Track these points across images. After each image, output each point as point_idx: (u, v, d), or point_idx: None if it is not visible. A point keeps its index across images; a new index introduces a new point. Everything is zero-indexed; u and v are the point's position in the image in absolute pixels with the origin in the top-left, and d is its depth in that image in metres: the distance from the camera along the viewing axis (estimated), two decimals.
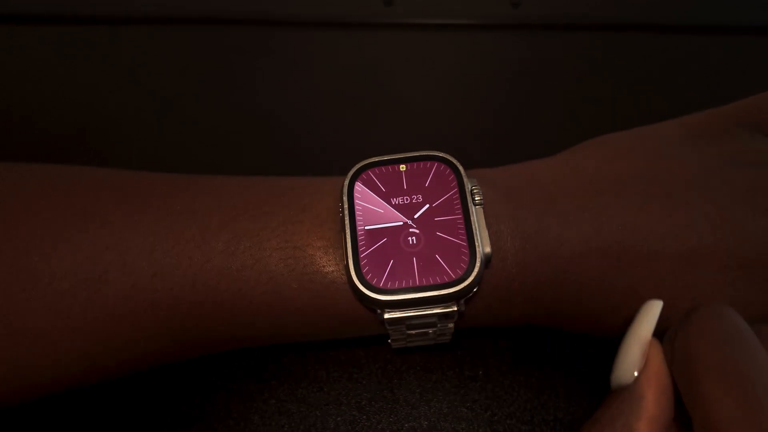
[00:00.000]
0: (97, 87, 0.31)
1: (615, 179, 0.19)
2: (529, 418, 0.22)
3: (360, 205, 0.19)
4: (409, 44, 0.33)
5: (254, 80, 0.31)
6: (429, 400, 0.22)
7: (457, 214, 0.19)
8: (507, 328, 0.21)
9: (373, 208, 0.19)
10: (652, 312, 0.17)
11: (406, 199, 0.19)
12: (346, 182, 0.19)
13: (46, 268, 0.18)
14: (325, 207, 0.19)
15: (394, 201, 0.19)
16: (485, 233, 0.18)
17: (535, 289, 0.19)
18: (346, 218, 0.19)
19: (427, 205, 0.19)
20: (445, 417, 0.22)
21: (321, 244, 0.19)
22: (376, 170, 0.20)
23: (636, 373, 0.16)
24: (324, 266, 0.18)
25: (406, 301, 0.18)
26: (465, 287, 0.18)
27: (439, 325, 0.19)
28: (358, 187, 0.19)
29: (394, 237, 0.19)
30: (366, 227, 0.19)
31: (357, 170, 0.20)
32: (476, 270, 0.18)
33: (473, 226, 0.18)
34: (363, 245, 0.18)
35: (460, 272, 0.18)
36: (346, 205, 0.19)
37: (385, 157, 0.20)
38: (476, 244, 0.18)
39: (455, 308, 0.18)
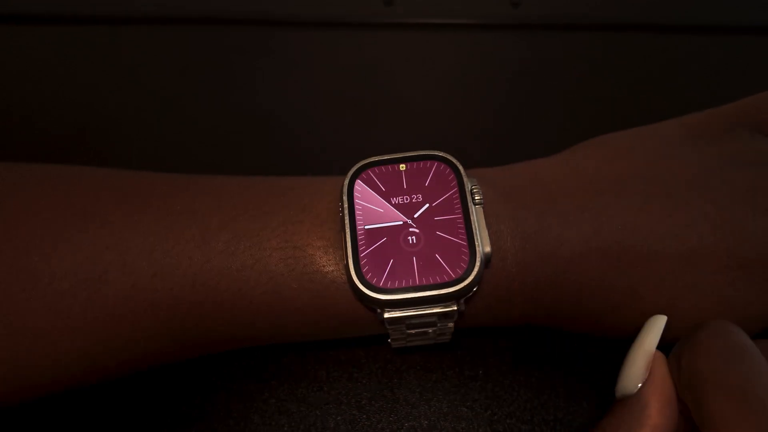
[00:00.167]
0: (97, 87, 0.31)
1: (615, 179, 0.19)
2: (529, 418, 0.22)
3: (360, 204, 0.19)
4: (409, 44, 0.33)
5: (254, 80, 0.31)
6: (429, 400, 0.22)
7: (457, 214, 0.19)
8: (507, 328, 0.21)
9: (373, 208, 0.19)
10: (657, 325, 0.18)
11: (406, 199, 0.19)
12: (346, 182, 0.19)
13: (46, 268, 0.18)
14: (325, 207, 0.19)
15: (393, 200, 0.19)
16: (485, 233, 0.18)
17: (535, 288, 0.19)
18: (346, 218, 0.19)
19: (427, 205, 0.19)
20: (445, 416, 0.22)
21: (321, 243, 0.19)
22: (376, 170, 0.20)
23: (640, 384, 0.17)
24: (324, 266, 0.18)
25: (405, 300, 0.18)
26: (465, 287, 0.18)
27: (438, 325, 0.19)
28: (358, 186, 0.19)
29: (394, 236, 0.19)
30: (366, 227, 0.19)
31: (357, 170, 0.20)
32: (476, 269, 0.18)
33: (473, 226, 0.18)
34: (363, 245, 0.18)
35: (459, 272, 0.18)
36: (345, 205, 0.19)
37: (385, 157, 0.20)
38: (476, 243, 0.18)
39: (455, 308, 0.18)
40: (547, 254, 0.18)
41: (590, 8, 0.33)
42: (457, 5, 0.34)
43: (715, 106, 0.22)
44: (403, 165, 0.20)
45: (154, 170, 0.21)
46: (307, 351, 0.23)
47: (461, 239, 0.18)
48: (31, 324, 0.18)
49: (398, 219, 0.19)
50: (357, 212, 0.19)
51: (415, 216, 0.19)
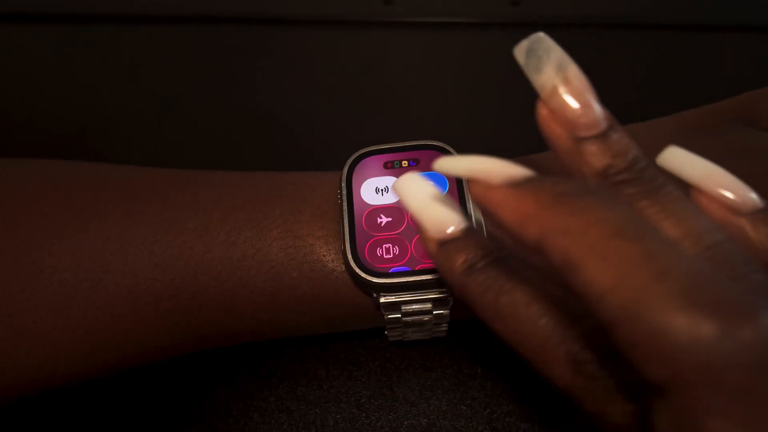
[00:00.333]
0: (97, 87, 0.31)
1: None
2: (528, 416, 0.21)
3: (358, 191, 0.19)
4: (409, 43, 0.33)
5: (254, 80, 0.31)
6: (428, 398, 0.22)
7: (454, 201, 0.19)
8: None
9: (371, 194, 0.19)
10: None
11: None
12: (345, 169, 0.20)
13: (47, 264, 0.18)
14: (325, 199, 0.19)
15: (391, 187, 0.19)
16: (482, 221, 0.18)
17: None
18: (344, 203, 0.19)
19: None
20: (444, 415, 0.21)
21: (321, 233, 0.19)
22: (375, 158, 0.20)
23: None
24: (324, 255, 0.19)
25: (401, 284, 0.18)
26: None
27: (434, 312, 0.19)
28: (357, 174, 0.20)
29: (391, 222, 0.19)
30: (363, 213, 0.19)
31: (356, 158, 0.20)
32: None
33: (470, 213, 0.18)
34: (360, 230, 0.19)
35: None
36: (344, 192, 0.19)
37: (384, 146, 0.20)
38: None
39: (450, 293, 0.18)
40: None
41: (589, 7, 0.34)
42: (457, 4, 0.34)
43: (710, 104, 0.22)
44: (405, 162, 0.20)
45: None
46: (306, 349, 0.23)
47: None
48: (32, 319, 0.18)
49: (395, 205, 0.19)
50: (355, 198, 0.19)
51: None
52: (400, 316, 0.19)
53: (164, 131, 0.30)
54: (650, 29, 0.33)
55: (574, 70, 0.13)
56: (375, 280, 0.18)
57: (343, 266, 0.19)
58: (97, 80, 0.31)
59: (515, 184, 0.11)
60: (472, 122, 0.30)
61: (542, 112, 0.14)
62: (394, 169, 0.20)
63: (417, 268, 0.18)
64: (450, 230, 0.14)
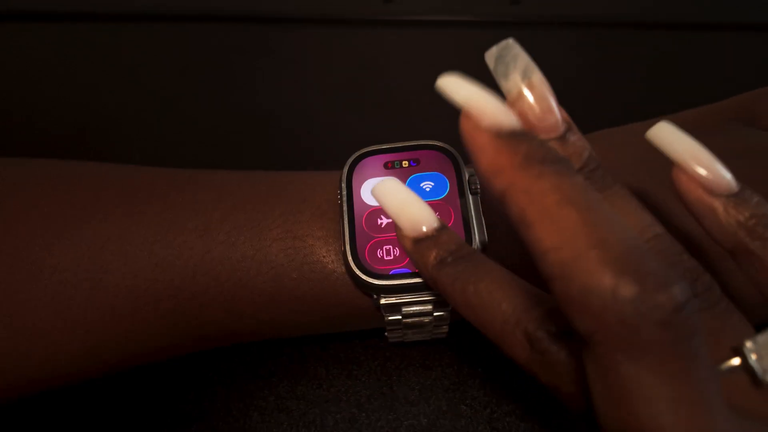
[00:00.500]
0: (97, 87, 0.31)
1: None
2: (528, 416, 0.21)
3: (358, 191, 0.19)
4: (409, 41, 0.33)
5: (254, 79, 0.31)
6: (428, 398, 0.22)
7: (455, 203, 0.19)
8: None
9: (371, 195, 0.19)
10: None
11: None
12: (345, 169, 0.20)
13: (47, 263, 0.18)
14: (325, 199, 0.19)
15: None
16: (481, 221, 0.18)
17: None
18: (344, 204, 0.19)
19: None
20: (444, 414, 0.21)
21: (321, 234, 0.19)
22: (375, 158, 0.20)
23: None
24: (324, 256, 0.19)
25: (401, 286, 0.18)
26: None
27: (435, 314, 0.19)
28: (357, 174, 0.20)
29: (392, 223, 0.19)
30: (364, 213, 0.19)
31: (356, 158, 0.20)
32: None
33: (469, 214, 0.18)
34: (360, 231, 0.18)
35: None
36: (344, 192, 0.19)
37: (384, 146, 0.20)
38: (472, 232, 0.18)
39: None
40: None
41: (589, 6, 0.33)
42: (457, 3, 0.34)
43: (710, 103, 0.22)
44: (405, 162, 0.20)
45: None
46: (306, 348, 0.23)
47: (457, 227, 0.18)
48: (30, 320, 0.18)
49: None
50: (355, 199, 0.19)
51: None
52: (400, 317, 0.19)
53: (164, 131, 0.30)
54: (650, 28, 0.33)
55: (538, 77, 0.15)
56: (375, 281, 0.18)
57: (343, 267, 0.19)
58: (97, 80, 0.31)
59: (499, 134, 0.12)
60: None
61: None
62: (394, 169, 0.20)
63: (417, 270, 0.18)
64: (424, 229, 0.15)
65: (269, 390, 0.22)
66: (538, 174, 0.12)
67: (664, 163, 0.20)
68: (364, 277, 0.18)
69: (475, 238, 0.18)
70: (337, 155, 0.20)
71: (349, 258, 0.18)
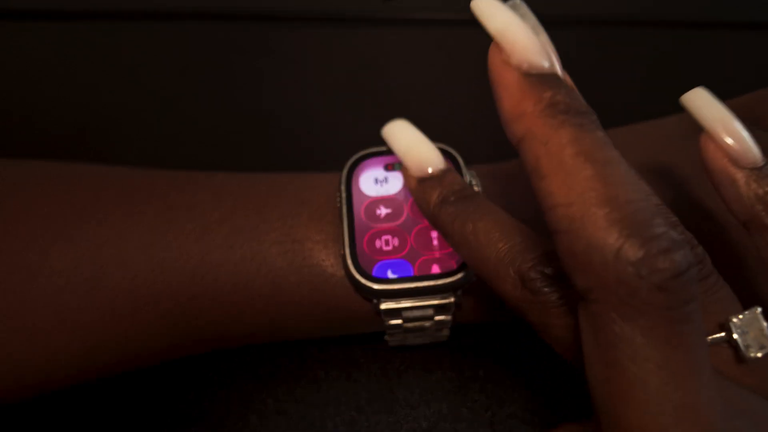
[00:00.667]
0: (97, 87, 0.31)
1: None
2: (530, 419, 0.21)
3: (358, 194, 0.19)
4: (409, 40, 0.33)
5: (254, 79, 0.31)
6: (428, 401, 0.22)
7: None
8: (507, 326, 0.21)
9: (371, 198, 0.19)
10: None
11: (404, 189, 0.19)
12: (345, 172, 0.20)
13: (45, 265, 0.18)
14: (324, 201, 0.19)
15: (391, 190, 0.19)
16: None
17: None
18: (344, 207, 0.19)
19: None
20: (444, 418, 0.21)
21: (320, 237, 0.19)
22: (375, 160, 0.20)
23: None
24: (323, 259, 0.18)
25: (401, 290, 0.18)
26: (461, 278, 0.17)
27: (435, 318, 0.19)
28: (357, 176, 0.19)
29: (392, 226, 0.19)
30: (363, 216, 0.19)
31: (355, 160, 0.20)
32: None
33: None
34: (360, 234, 0.18)
35: (456, 264, 0.18)
36: (344, 195, 0.19)
37: (384, 148, 0.20)
38: None
39: (452, 299, 0.18)
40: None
41: (589, 5, 0.33)
42: (457, 1, 0.33)
43: None
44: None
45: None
46: (305, 351, 0.23)
47: None
48: (29, 321, 0.18)
49: (396, 209, 0.19)
50: (355, 202, 0.19)
51: (413, 206, 0.19)
52: (400, 322, 0.19)
53: (164, 131, 0.30)
54: (651, 27, 0.33)
55: (544, 37, 0.14)
56: (375, 285, 0.18)
57: (342, 271, 0.18)
58: (97, 80, 0.31)
59: (528, 74, 0.12)
60: (473, 121, 0.30)
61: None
62: (394, 171, 0.20)
63: (418, 274, 0.18)
64: (430, 170, 0.16)
65: (268, 392, 0.22)
66: (559, 124, 0.12)
67: (664, 164, 0.20)
68: (363, 280, 0.18)
69: None
70: (337, 155, 0.20)
71: (349, 262, 0.18)
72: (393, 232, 0.18)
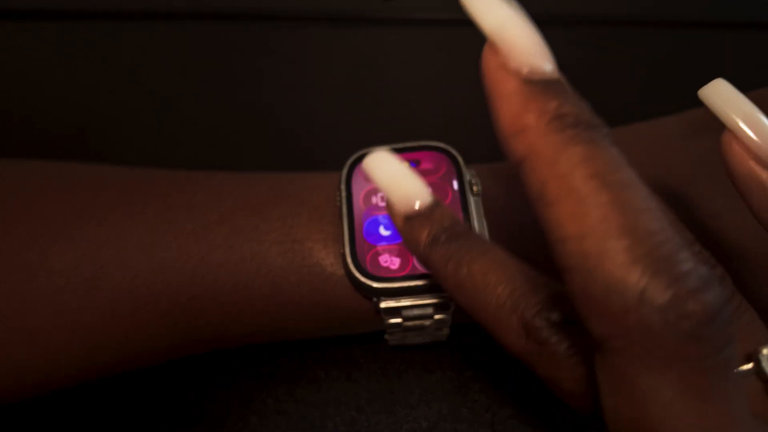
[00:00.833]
0: (97, 87, 0.31)
1: None
2: (530, 419, 0.21)
3: (358, 193, 0.19)
4: (410, 40, 0.33)
5: (254, 79, 0.31)
6: (429, 401, 0.22)
7: (455, 204, 0.19)
8: None
9: (371, 197, 0.19)
10: None
11: None
12: (345, 171, 0.20)
13: (44, 265, 0.18)
14: (324, 201, 0.19)
15: None
16: (483, 223, 0.18)
17: None
18: (344, 206, 0.19)
19: None
20: (445, 418, 0.21)
21: (320, 237, 0.19)
22: None
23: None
24: (323, 259, 0.18)
25: (401, 288, 0.18)
26: None
27: (435, 317, 0.19)
28: (357, 175, 0.19)
29: (392, 225, 0.18)
30: (363, 215, 0.19)
31: (355, 159, 0.20)
32: None
33: (471, 216, 0.18)
34: (360, 233, 0.18)
35: None
36: (344, 194, 0.19)
37: (384, 147, 0.20)
38: None
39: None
40: (543, 243, 0.18)
41: (590, 4, 0.33)
42: (457, 1, 0.33)
43: None
44: (406, 163, 0.20)
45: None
46: (305, 351, 0.23)
47: None
48: (29, 321, 0.18)
49: None
50: (355, 201, 0.19)
51: None
52: (400, 321, 0.19)
53: (164, 131, 0.30)
54: (652, 26, 0.33)
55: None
56: (375, 284, 0.18)
57: (342, 270, 0.18)
58: (97, 80, 0.31)
59: (529, 80, 0.10)
60: (474, 121, 0.30)
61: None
62: None
63: (418, 272, 0.18)
64: (417, 206, 0.14)
65: (268, 392, 0.22)
66: (567, 140, 0.10)
67: (663, 165, 0.20)
68: (363, 279, 0.18)
69: None
70: (337, 155, 0.20)
71: (349, 260, 0.18)
72: (393, 230, 0.18)
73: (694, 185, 0.19)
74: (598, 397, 0.11)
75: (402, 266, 0.18)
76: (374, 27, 0.33)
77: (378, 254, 0.18)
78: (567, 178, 0.10)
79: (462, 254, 0.13)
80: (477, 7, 0.11)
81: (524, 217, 0.19)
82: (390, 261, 0.18)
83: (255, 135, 0.29)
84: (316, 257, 0.18)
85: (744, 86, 0.22)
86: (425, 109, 0.30)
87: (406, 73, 0.32)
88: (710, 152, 0.20)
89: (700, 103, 0.22)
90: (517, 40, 0.11)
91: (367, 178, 0.19)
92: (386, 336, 0.20)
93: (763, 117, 0.13)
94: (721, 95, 0.13)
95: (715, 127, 0.21)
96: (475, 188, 0.19)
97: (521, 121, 0.10)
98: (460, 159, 0.20)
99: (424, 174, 0.19)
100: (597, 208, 0.09)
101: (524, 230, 0.19)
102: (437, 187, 0.19)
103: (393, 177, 0.14)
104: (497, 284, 0.13)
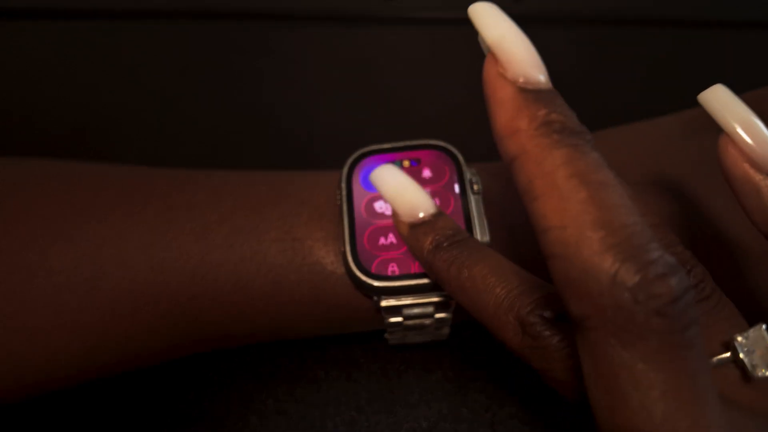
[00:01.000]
0: (97, 87, 0.31)
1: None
2: (530, 419, 0.21)
3: (358, 192, 0.19)
4: (410, 40, 0.33)
5: (254, 79, 0.31)
6: (429, 401, 0.22)
7: (456, 203, 0.19)
8: None
9: (372, 195, 0.19)
10: None
11: None
12: (345, 169, 0.20)
13: (44, 265, 0.18)
14: (324, 200, 0.19)
15: None
16: (484, 222, 0.18)
17: None
18: (344, 204, 0.19)
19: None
20: (445, 418, 0.21)
21: (320, 235, 0.19)
22: (376, 158, 0.20)
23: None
24: (323, 257, 0.18)
25: (402, 287, 0.18)
26: None
27: (436, 316, 0.19)
28: (357, 174, 0.19)
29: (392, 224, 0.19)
30: (364, 214, 0.19)
31: (356, 158, 0.20)
32: None
33: (472, 215, 0.18)
34: (360, 231, 0.18)
35: None
36: (344, 192, 0.19)
37: (385, 146, 0.20)
38: (474, 232, 0.18)
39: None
40: None
41: (592, 3, 0.33)
42: (457, 0, 0.33)
43: None
44: (407, 162, 0.20)
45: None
46: (305, 350, 0.23)
47: None
48: (29, 321, 0.18)
49: None
50: (355, 199, 0.19)
51: None
52: (401, 319, 0.19)
53: (164, 131, 0.30)
54: (653, 25, 0.33)
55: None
56: (375, 283, 0.18)
57: (342, 269, 0.18)
58: (97, 80, 0.31)
59: (523, 89, 0.12)
60: (474, 121, 0.30)
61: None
62: None
63: (418, 271, 0.18)
64: (421, 215, 0.16)
65: (268, 392, 0.22)
66: (553, 144, 0.11)
67: (663, 164, 0.20)
68: (364, 278, 0.18)
69: (477, 238, 0.18)
70: (337, 154, 0.20)
71: (349, 259, 0.18)
72: (394, 229, 0.18)
73: (694, 185, 0.19)
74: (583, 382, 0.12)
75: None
76: (374, 26, 0.33)
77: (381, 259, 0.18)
78: (551, 176, 0.11)
79: (463, 259, 0.15)
80: (482, 21, 0.13)
81: (523, 216, 0.19)
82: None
83: (255, 135, 0.29)
84: (317, 256, 0.18)
85: (744, 86, 0.22)
86: (425, 108, 0.30)
87: (407, 72, 0.32)
88: (710, 152, 0.20)
89: (696, 104, 0.22)
90: (515, 52, 0.12)
91: (366, 183, 0.19)
92: (386, 335, 0.20)
93: (759, 122, 0.13)
94: (720, 100, 0.14)
95: (715, 127, 0.21)
96: (475, 187, 0.19)
97: (514, 124, 0.12)
98: (460, 157, 0.20)
99: (427, 182, 0.19)
100: (576, 203, 0.11)
101: (524, 228, 0.19)
102: (440, 195, 0.19)
103: (398, 189, 0.16)
104: (496, 286, 0.14)
